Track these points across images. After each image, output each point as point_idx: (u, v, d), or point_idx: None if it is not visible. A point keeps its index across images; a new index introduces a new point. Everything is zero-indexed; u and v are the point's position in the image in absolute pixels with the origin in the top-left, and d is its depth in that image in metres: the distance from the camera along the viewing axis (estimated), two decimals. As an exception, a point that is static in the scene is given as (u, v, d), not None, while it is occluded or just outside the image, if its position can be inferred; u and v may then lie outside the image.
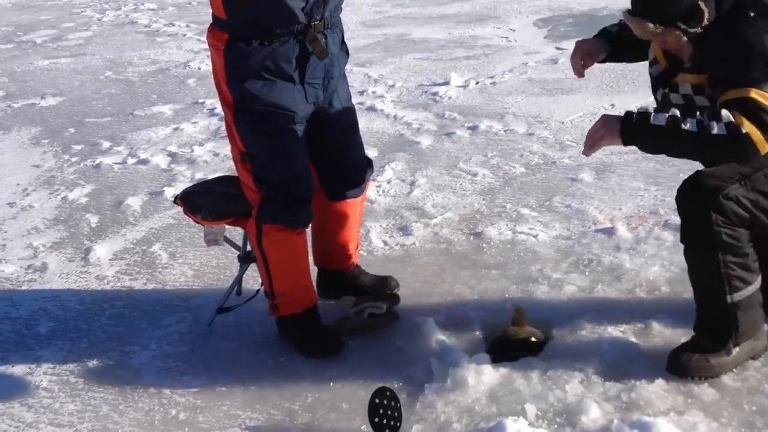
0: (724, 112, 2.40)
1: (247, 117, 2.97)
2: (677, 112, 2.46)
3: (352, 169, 3.31)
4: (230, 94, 2.97)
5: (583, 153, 2.67)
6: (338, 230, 3.43)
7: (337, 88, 3.17)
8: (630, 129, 2.51)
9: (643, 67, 6.86)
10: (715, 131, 2.39)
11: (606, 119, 2.59)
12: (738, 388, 2.71)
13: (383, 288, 3.51)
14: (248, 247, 3.47)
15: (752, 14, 2.50)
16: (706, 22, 2.52)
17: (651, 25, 2.57)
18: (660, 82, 2.81)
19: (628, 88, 6.38)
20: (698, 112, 2.46)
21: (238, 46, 2.91)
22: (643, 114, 2.49)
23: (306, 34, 2.93)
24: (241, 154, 3.04)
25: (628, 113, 2.54)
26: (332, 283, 3.53)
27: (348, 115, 3.27)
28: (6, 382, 3.23)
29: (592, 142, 2.61)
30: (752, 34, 2.47)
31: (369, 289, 3.50)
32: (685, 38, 2.57)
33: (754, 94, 2.40)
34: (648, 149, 2.63)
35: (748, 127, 2.37)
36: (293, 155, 3.04)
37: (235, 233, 3.59)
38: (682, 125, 2.42)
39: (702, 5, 2.51)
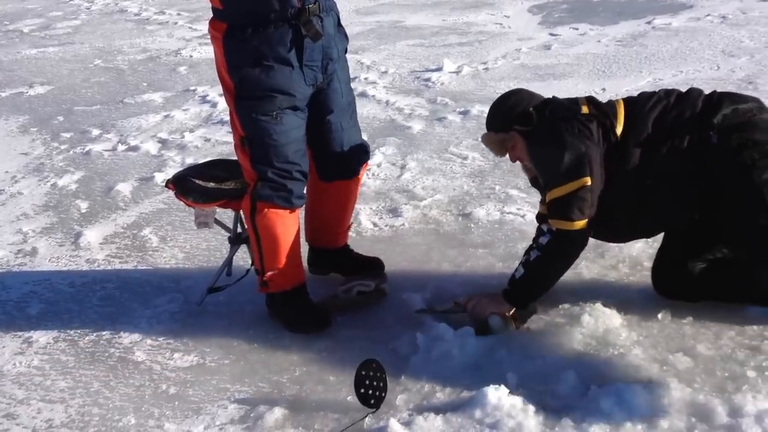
0: (543, 226, 3.05)
1: (247, 102, 3.11)
2: (526, 253, 3.10)
3: (347, 153, 3.43)
4: (231, 82, 3.12)
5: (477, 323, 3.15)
6: (330, 210, 3.57)
7: (336, 70, 3.28)
8: (510, 293, 3.11)
9: (635, 52, 7.05)
10: (545, 242, 3.00)
11: (488, 298, 3.18)
12: (711, 356, 2.86)
13: (370, 268, 3.66)
14: (239, 229, 3.61)
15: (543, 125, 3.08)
16: (535, 122, 3.09)
17: (496, 134, 3.19)
18: None
19: (620, 72, 6.53)
20: (532, 242, 3.12)
21: (235, 34, 3.05)
22: (510, 278, 3.12)
23: (300, 17, 3.05)
24: (240, 139, 3.18)
25: (505, 288, 3.14)
26: (322, 260, 3.68)
27: (347, 98, 3.39)
28: (-3, 361, 3.35)
29: (478, 311, 3.14)
30: (533, 146, 3.09)
31: (357, 268, 3.64)
32: (524, 142, 3.11)
33: (550, 195, 2.98)
34: (533, 294, 3.14)
35: (556, 224, 2.97)
36: (290, 138, 3.17)
37: (225, 216, 3.72)
38: (530, 258, 3.05)
39: (531, 110, 3.11)
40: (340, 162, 3.43)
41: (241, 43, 3.05)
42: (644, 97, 3.15)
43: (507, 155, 3.29)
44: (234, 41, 3.06)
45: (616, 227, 3.14)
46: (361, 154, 3.50)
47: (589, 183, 2.91)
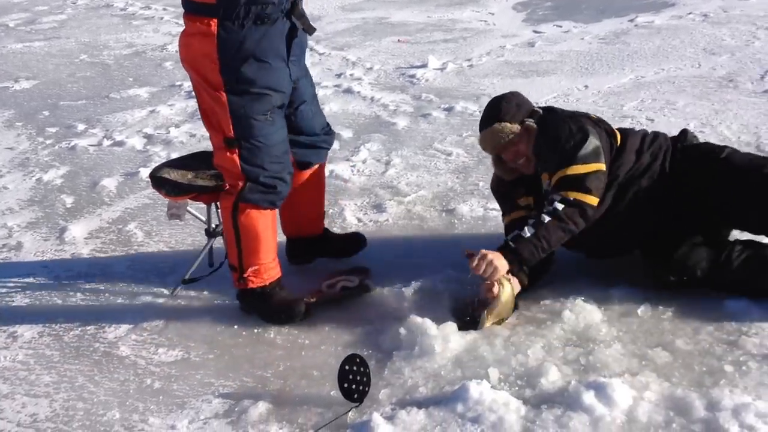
0: (556, 195, 3.09)
1: (241, 101, 3.07)
2: (534, 218, 3.10)
3: (320, 138, 3.50)
4: (222, 80, 3.05)
5: (486, 282, 3.10)
6: (309, 198, 3.62)
7: (302, 63, 3.34)
8: (514, 251, 3.06)
9: (617, 49, 7.06)
10: (561, 208, 3.05)
11: (493, 257, 3.05)
12: (690, 351, 2.88)
13: (352, 244, 3.76)
14: (213, 222, 3.65)
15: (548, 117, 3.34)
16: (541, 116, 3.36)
17: (510, 125, 3.32)
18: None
19: (603, 70, 6.54)
20: (545, 205, 3.13)
21: (231, 29, 3.00)
22: (515, 236, 3.08)
23: (293, 11, 3.08)
24: (226, 140, 3.13)
25: (505, 243, 3.10)
26: (304, 250, 3.70)
27: (313, 87, 3.47)
28: (-19, 356, 3.34)
29: (490, 274, 3.03)
30: (551, 131, 3.24)
31: (339, 247, 3.75)
32: (535, 131, 3.28)
33: (570, 171, 3.10)
34: (535, 254, 3.08)
35: (575, 195, 3.06)
36: (280, 138, 3.20)
37: (202, 208, 3.73)
38: (543, 221, 3.06)
39: (538, 108, 3.41)
40: (313, 148, 3.49)
41: (239, 39, 3.00)
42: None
43: (491, 154, 3.45)
44: (230, 37, 3.00)
45: (600, 231, 3.20)
46: (329, 135, 3.58)
47: (604, 169, 3.13)
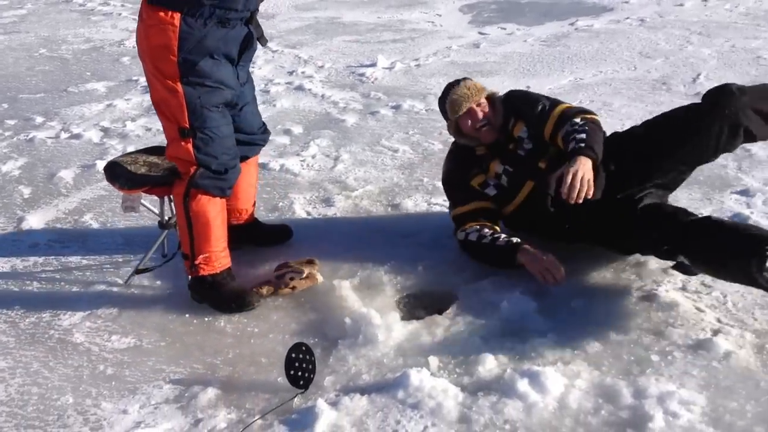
0: (575, 119, 3.33)
1: (198, 92, 3.08)
2: (572, 133, 3.28)
3: (259, 136, 3.56)
4: (179, 71, 3.04)
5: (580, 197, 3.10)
6: (242, 187, 3.63)
7: (247, 69, 3.39)
8: (588, 147, 3.17)
9: (558, 52, 7.11)
10: (586, 120, 3.32)
11: (580, 166, 3.10)
12: (619, 341, 2.92)
13: (280, 234, 3.85)
14: (167, 214, 3.63)
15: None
16: None
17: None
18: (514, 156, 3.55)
19: (544, 71, 6.60)
20: (570, 127, 3.32)
21: (194, 25, 3.00)
22: (577, 141, 3.20)
23: (251, 20, 3.14)
24: (180, 130, 3.14)
25: (576, 149, 3.18)
26: (234, 237, 3.62)
27: (253, 90, 3.51)
28: (-63, 343, 3.26)
29: (589, 178, 3.09)
30: (517, 93, 3.76)
31: (268, 237, 3.83)
32: (498, 104, 3.63)
33: (562, 106, 3.47)
34: (599, 145, 3.24)
35: (581, 116, 3.35)
36: (231, 131, 3.24)
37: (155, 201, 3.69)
38: (583, 127, 3.27)
39: None
40: (251, 144, 3.52)
41: (201, 35, 3.02)
42: None
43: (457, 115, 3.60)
44: (193, 31, 3.00)
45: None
46: (266, 134, 3.63)
47: None
